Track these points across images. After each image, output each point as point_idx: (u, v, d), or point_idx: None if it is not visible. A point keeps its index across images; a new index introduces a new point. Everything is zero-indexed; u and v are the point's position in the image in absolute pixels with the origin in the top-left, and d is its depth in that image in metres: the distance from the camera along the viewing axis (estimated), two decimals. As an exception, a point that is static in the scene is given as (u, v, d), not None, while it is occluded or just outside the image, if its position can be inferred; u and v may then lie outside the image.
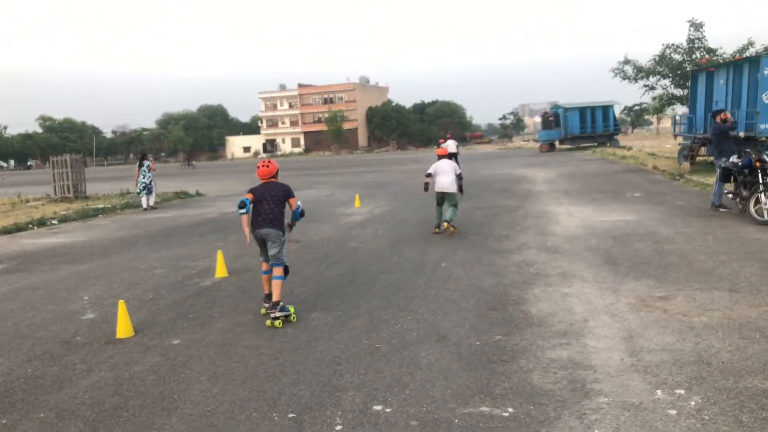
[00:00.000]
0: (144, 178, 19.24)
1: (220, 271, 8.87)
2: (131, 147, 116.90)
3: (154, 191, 19.86)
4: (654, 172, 22.64)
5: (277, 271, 6.58)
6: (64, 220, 17.15)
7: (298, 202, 6.90)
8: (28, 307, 7.71)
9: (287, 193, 6.75)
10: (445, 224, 11.44)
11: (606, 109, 48.19)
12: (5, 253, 12.17)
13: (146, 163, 19.52)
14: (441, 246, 10.34)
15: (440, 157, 12.02)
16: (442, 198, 11.58)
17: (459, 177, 11.48)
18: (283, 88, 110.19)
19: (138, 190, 19.66)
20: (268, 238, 6.61)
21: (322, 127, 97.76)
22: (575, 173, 24.59)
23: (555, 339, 5.54)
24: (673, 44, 30.81)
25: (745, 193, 11.52)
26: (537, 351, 5.27)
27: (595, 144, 47.84)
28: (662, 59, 30.78)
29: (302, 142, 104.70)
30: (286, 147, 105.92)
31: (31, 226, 16.04)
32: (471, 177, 25.86)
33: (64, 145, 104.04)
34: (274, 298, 6.46)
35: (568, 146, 49.23)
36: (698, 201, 14.07)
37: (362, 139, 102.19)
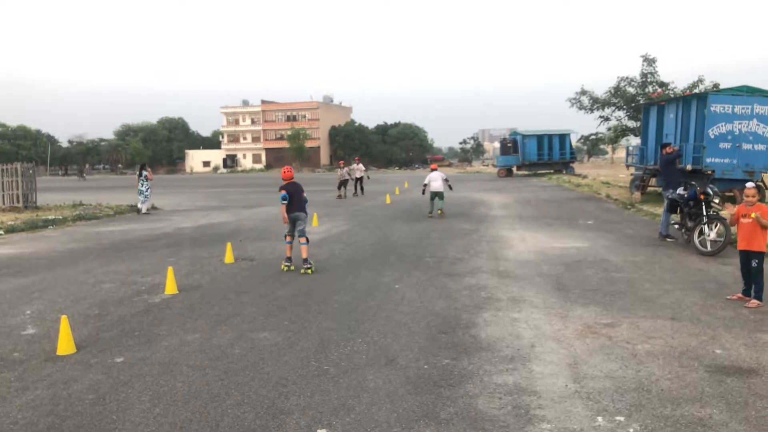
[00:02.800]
0: (142, 186, 21.98)
1: (170, 287, 8.71)
2: (87, 157, 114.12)
3: (149, 199, 22.38)
4: (607, 201, 23.25)
5: (303, 240, 10.32)
6: (11, 230, 16.59)
7: (305, 195, 10.64)
8: (-36, 320, 7.41)
9: (301, 188, 10.60)
10: (439, 211, 18.56)
11: (563, 138, 49.45)
12: (-56, 264, 11.70)
13: (144, 173, 22.18)
14: (396, 267, 10.38)
15: (433, 170, 18.78)
16: (434, 195, 18.46)
17: (446, 181, 18.52)
18: (245, 103, 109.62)
19: (139, 197, 22.21)
20: (299, 218, 10.42)
21: (285, 144, 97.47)
22: (531, 199, 25.06)
23: (502, 364, 5.60)
24: (627, 77, 31.89)
25: (690, 224, 11.94)
26: (484, 376, 5.31)
27: (552, 171, 48.93)
28: (617, 91, 31.81)
29: (263, 158, 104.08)
30: (247, 163, 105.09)
31: (-26, 235, 15.47)
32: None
33: (16, 152, 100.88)
34: (304, 256, 10.18)
35: (526, 172, 50.21)
36: (647, 230, 14.49)
37: (324, 157, 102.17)
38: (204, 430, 4.34)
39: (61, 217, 19.19)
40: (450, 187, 18.80)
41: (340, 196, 27.63)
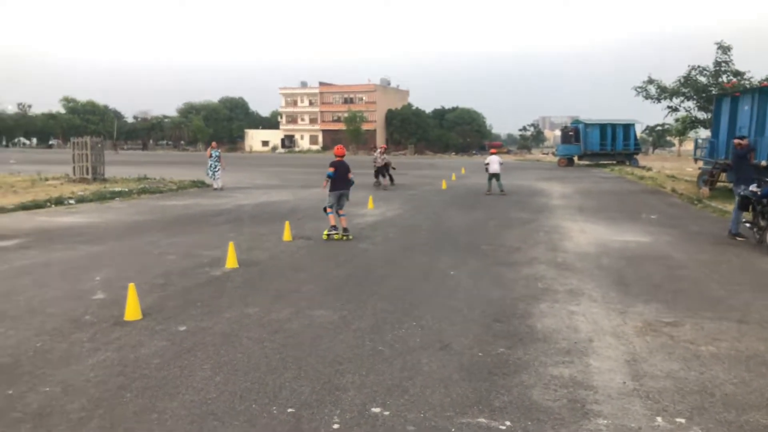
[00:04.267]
0: (215, 167, 22.86)
1: (231, 261, 8.94)
2: (151, 133, 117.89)
3: (218, 176, 23.01)
4: (672, 195, 22.47)
5: (343, 212, 11.90)
6: (81, 200, 17.35)
7: (351, 176, 12.02)
8: (40, 283, 7.83)
9: (348, 169, 11.91)
10: (501, 191, 21.66)
11: (627, 128, 47.88)
12: (22, 229, 12.35)
13: (213, 153, 23.05)
14: (451, 254, 10.34)
15: (492, 153, 22.62)
16: (491, 176, 21.93)
17: (501, 164, 22.13)
18: (304, 85, 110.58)
19: (212, 174, 23.10)
20: (344, 195, 11.98)
21: (341, 126, 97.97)
22: (592, 190, 24.47)
23: (558, 356, 5.52)
24: (699, 66, 30.52)
25: (762, 223, 11.41)
26: (539, 367, 5.25)
27: (614, 162, 47.53)
28: (687, 81, 30.49)
29: (320, 139, 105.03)
30: (304, 143, 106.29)
31: (48, 204, 16.26)
32: (486, 187, 25.83)
33: (85, 126, 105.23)
34: (344, 225, 11.72)
35: (587, 162, 48.96)
36: (715, 227, 13.94)
37: (380, 140, 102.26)
38: (262, 400, 4.47)
39: (127, 190, 19.94)
40: (501, 164, 22.35)
41: (378, 184, 25.15)
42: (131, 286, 6.40)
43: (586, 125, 48.05)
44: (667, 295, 7.81)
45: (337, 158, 11.87)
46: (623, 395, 4.69)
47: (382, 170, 25.32)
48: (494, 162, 21.70)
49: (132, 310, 6.31)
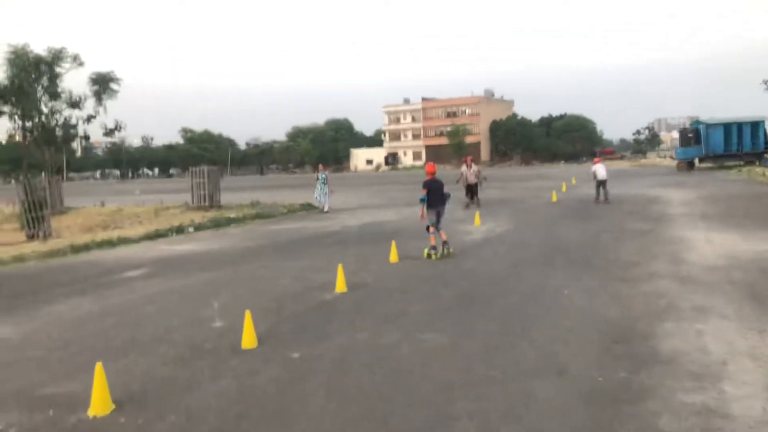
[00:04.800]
0: (322, 190, 23.12)
1: (340, 285, 9.08)
2: (262, 158, 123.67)
3: (326, 199, 23.25)
4: (810, 197, 20.47)
5: (442, 229, 11.83)
6: (199, 228, 18.42)
7: (447, 190, 11.91)
8: (164, 310, 8.33)
9: (442, 185, 11.84)
10: (606, 200, 21.53)
11: (755, 126, 44.29)
12: (147, 258, 13.26)
13: (321, 175, 23.26)
14: (563, 271, 9.93)
15: (596, 162, 22.74)
16: (599, 183, 21.84)
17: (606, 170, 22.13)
18: (406, 101, 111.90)
19: (317, 197, 23.57)
20: (442, 212, 11.82)
21: (444, 140, 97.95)
22: (716, 195, 22.78)
23: (687, 381, 5.10)
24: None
25: None
26: (666, 393, 4.87)
27: (741, 163, 44.08)
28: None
29: (423, 155, 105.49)
30: (407, 160, 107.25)
31: (170, 232, 17.39)
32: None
33: (202, 155, 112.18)
34: (444, 239, 11.69)
35: (710, 165, 45.81)
36: None
37: (485, 153, 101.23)
38: (374, 428, 4.44)
39: (241, 216, 20.94)
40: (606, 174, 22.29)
41: (468, 205, 21.93)
42: (247, 314, 6.63)
43: (708, 125, 45.02)
44: (812, 310, 7.05)
45: (429, 176, 11.82)
46: (764, 424, 4.24)
47: (474, 187, 22.25)
48: (600, 169, 21.99)
49: (248, 338, 6.53)
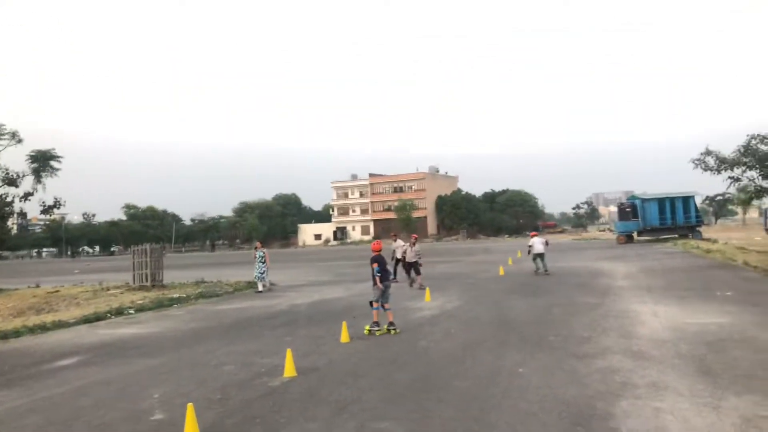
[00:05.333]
0: (259, 269, 22.01)
1: (289, 370, 8.68)
2: (208, 234, 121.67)
3: (265, 277, 22.19)
4: (745, 268, 21.28)
5: (388, 306, 11.98)
6: (140, 309, 17.61)
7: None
8: (100, 404, 7.72)
9: (386, 262, 12.27)
10: (546, 271, 22.54)
11: (687, 200, 46.53)
12: (83, 344, 12.49)
13: (258, 254, 22.25)
14: (517, 349, 9.81)
15: (533, 236, 23.63)
16: (536, 257, 22.73)
17: (545, 243, 23.19)
18: (354, 177, 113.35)
19: (255, 276, 22.41)
20: (389, 287, 12.06)
21: (392, 215, 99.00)
22: (657, 268, 23.45)
23: (652, 466, 4.96)
24: (758, 134, 29.58)
25: None
26: (632, 480, 4.70)
27: (676, 236, 45.94)
28: (747, 150, 29.53)
29: (372, 229, 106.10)
30: (356, 234, 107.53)
31: (109, 315, 16.54)
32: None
33: (145, 231, 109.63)
34: (391, 320, 11.84)
35: (647, 238, 47.55)
36: (800, 302, 12.96)
37: (431, 227, 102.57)
38: None
39: (185, 296, 20.18)
40: (547, 244, 23.44)
41: (412, 282, 20.45)
42: (189, 407, 6.20)
43: (644, 200, 47.06)
44: (763, 384, 7.12)
45: (375, 253, 12.06)
46: None
47: (415, 267, 20.49)
48: (537, 243, 22.85)
49: (190, 433, 6.07)
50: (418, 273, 20.39)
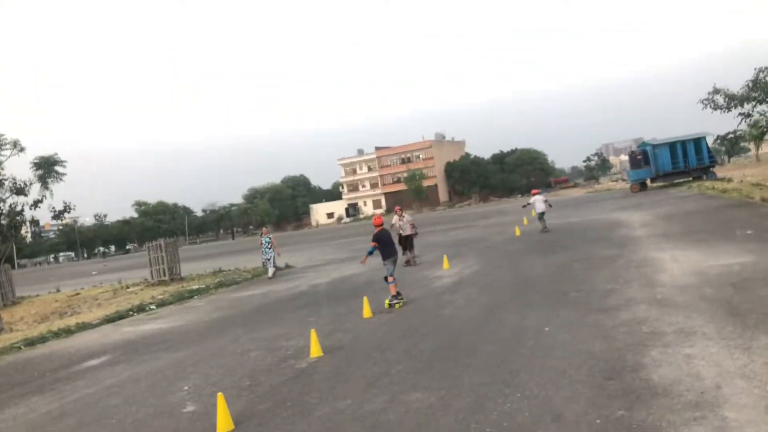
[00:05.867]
0: (266, 254, 21.87)
1: (315, 350, 8.69)
2: (221, 223, 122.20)
3: (271, 264, 21.92)
4: (763, 205, 20.99)
5: (392, 279, 11.84)
6: (161, 304, 17.73)
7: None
8: (131, 401, 7.78)
9: (391, 235, 12.47)
10: (544, 228, 22.90)
11: (698, 142, 45.91)
12: (109, 343, 12.60)
13: (264, 239, 22.04)
14: (540, 308, 9.75)
15: (534, 194, 23.67)
16: (540, 216, 23.13)
17: (546, 201, 23.25)
18: (360, 152, 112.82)
19: (263, 261, 22.50)
20: (396, 260, 12.06)
21: (402, 186, 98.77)
22: (674, 213, 23.22)
23: (687, 412, 4.90)
24: (766, 68, 29.03)
25: None
26: (669, 428, 4.66)
27: (690, 179, 45.46)
28: (756, 84, 29.01)
29: (383, 203, 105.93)
30: (368, 209, 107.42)
31: (131, 312, 16.67)
32: (563, 225, 25.02)
33: (158, 227, 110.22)
34: (394, 292, 11.77)
35: (661, 184, 47.09)
36: (822, 234, 12.76)
37: (443, 194, 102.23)
38: None
39: (204, 286, 20.28)
40: (550, 206, 23.59)
41: (408, 262, 18.72)
42: (220, 396, 6.21)
43: (654, 146, 46.51)
44: (792, 320, 7.00)
45: (378, 228, 12.11)
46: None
47: (409, 241, 18.86)
48: (538, 202, 22.96)
49: (224, 422, 6.08)
50: (411, 247, 18.91)
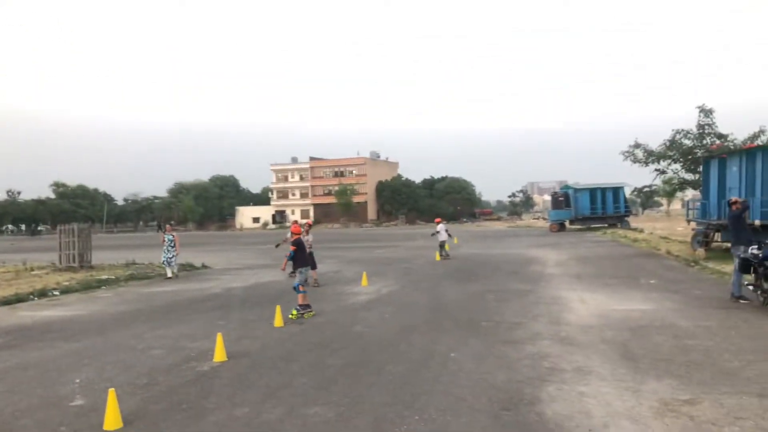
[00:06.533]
0: (168, 252, 20.37)
1: (219, 354, 8.49)
2: (141, 215, 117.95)
3: (174, 263, 20.61)
4: (668, 257, 22.26)
5: (303, 289, 11.98)
6: (66, 291, 16.87)
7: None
8: (15, 389, 7.33)
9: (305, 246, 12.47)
10: (446, 256, 24.45)
11: (617, 191, 48.28)
12: (1, 327, 11.86)
13: (167, 237, 20.42)
14: (451, 333, 9.92)
15: (437, 223, 25.50)
16: (441, 243, 24.53)
17: (447, 231, 24.87)
18: (294, 160, 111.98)
19: (163, 261, 20.68)
20: (307, 272, 12.39)
21: (332, 199, 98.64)
22: (587, 256, 24.24)
23: (574, 448, 5.10)
24: (683, 130, 31.03)
25: (766, 285, 11.14)
26: (555, 462, 4.82)
27: (606, 225, 47.66)
28: (672, 144, 30.93)
29: (312, 214, 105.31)
30: (295, 218, 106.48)
31: (32, 297, 15.77)
32: (481, 256, 25.61)
33: (75, 211, 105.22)
34: (307, 302, 11.92)
35: (579, 226, 49.10)
36: (716, 290, 13.64)
37: (371, 212, 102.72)
38: None
39: (113, 277, 19.47)
40: (449, 235, 25.31)
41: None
42: (111, 392, 5.95)
43: (576, 190, 48.50)
44: (680, 368, 7.43)
45: (295, 236, 12.49)
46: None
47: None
48: (442, 231, 24.69)
49: (112, 419, 5.84)
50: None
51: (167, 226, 22.04)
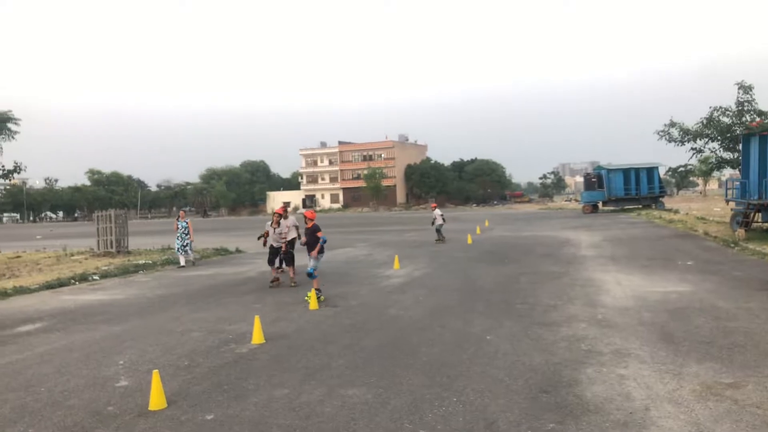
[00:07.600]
0: (182, 240, 19.36)
1: (257, 337, 8.62)
2: (174, 201, 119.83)
3: (190, 251, 19.73)
4: (705, 238, 21.81)
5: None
6: (105, 275, 17.27)
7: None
8: (63, 371, 7.56)
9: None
10: (442, 239, 25.24)
11: (651, 171, 47.41)
12: (46, 310, 12.21)
13: (181, 224, 19.41)
14: (485, 316, 9.91)
15: (433, 208, 26.55)
16: (436, 229, 25.54)
17: (441, 216, 25.77)
18: (323, 145, 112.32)
19: (177, 248, 19.75)
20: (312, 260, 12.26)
21: (361, 183, 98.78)
22: (621, 237, 23.89)
23: (615, 430, 5.06)
24: (721, 107, 30.16)
25: (810, 266, 10.85)
26: (596, 445, 4.79)
27: (640, 206, 46.87)
28: (710, 122, 30.11)
29: (341, 198, 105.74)
30: (325, 203, 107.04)
31: (73, 281, 16.18)
32: (513, 239, 25.42)
33: (110, 197, 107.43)
34: (317, 286, 11.99)
35: (612, 208, 48.41)
36: (758, 272, 13.34)
37: (400, 196, 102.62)
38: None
39: (150, 262, 19.85)
40: (444, 220, 25.99)
41: (275, 281, 14.36)
42: (155, 373, 6.09)
43: (609, 171, 47.74)
44: (722, 351, 7.30)
45: (312, 223, 12.51)
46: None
47: (287, 252, 14.31)
48: (437, 216, 25.62)
49: (156, 399, 5.98)
50: (291, 263, 14.36)
51: (181, 212, 20.84)
